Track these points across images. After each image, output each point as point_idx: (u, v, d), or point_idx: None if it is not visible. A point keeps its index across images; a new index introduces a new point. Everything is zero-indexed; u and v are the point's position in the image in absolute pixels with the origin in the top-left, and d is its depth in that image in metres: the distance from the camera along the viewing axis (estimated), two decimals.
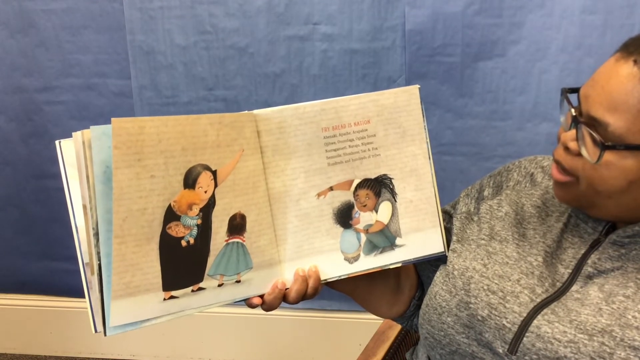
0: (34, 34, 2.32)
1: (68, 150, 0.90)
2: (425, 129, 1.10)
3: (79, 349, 2.72)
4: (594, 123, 0.92)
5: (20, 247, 2.59)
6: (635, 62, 0.90)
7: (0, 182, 2.52)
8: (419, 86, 1.09)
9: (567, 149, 0.97)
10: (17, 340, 2.75)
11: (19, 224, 2.56)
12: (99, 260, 0.88)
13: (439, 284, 1.12)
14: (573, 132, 0.96)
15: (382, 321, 1.56)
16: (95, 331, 0.91)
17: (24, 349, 2.76)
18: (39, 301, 2.69)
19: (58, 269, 2.58)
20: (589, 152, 0.93)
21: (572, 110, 0.97)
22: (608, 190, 0.94)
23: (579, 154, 0.95)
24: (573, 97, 0.99)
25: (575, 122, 0.95)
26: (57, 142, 0.90)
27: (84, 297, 0.90)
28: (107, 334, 0.90)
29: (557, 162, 1.00)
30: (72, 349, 2.73)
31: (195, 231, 0.95)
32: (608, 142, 0.90)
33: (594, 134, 0.91)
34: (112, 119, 0.85)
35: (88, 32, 2.30)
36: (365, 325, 2.31)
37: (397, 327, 1.53)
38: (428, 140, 1.10)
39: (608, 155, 0.91)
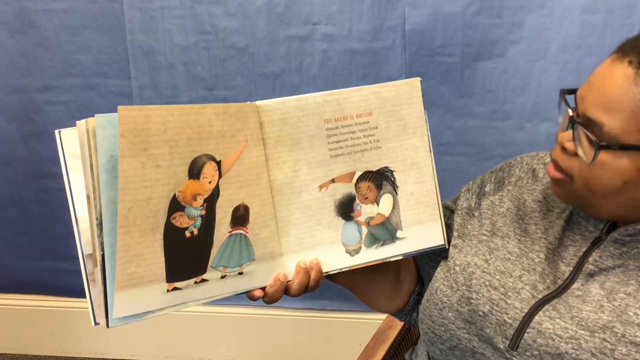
0: (34, 34, 2.32)
1: (68, 140, 0.89)
2: (426, 121, 1.10)
3: (79, 349, 2.72)
4: (589, 123, 0.93)
5: (20, 247, 2.58)
6: (630, 62, 0.90)
7: (0, 182, 2.52)
8: (420, 79, 1.09)
9: (564, 149, 0.98)
10: (17, 340, 2.74)
11: (19, 224, 2.56)
12: (103, 250, 0.88)
13: (440, 280, 1.12)
14: (570, 132, 0.97)
15: (382, 321, 1.56)
16: (95, 323, 0.90)
17: (24, 349, 2.75)
18: (39, 301, 2.69)
19: (58, 269, 2.58)
20: (584, 152, 0.93)
21: (569, 111, 0.97)
22: (603, 190, 0.94)
23: (576, 154, 0.96)
24: (571, 99, 1.00)
25: (572, 122, 0.96)
26: (57, 131, 0.89)
27: (84, 297, 0.90)
28: (109, 325, 0.90)
29: (554, 162, 1.01)
30: (72, 349, 2.72)
31: (199, 222, 0.95)
32: (603, 142, 0.91)
33: (590, 134, 0.92)
34: (119, 107, 0.84)
35: (88, 32, 2.30)
36: (365, 325, 2.32)
37: (397, 327, 1.52)
38: (429, 133, 1.11)
39: (603, 155, 0.91)
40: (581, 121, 0.95)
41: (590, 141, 0.92)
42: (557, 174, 1.00)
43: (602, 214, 1.00)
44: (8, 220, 2.56)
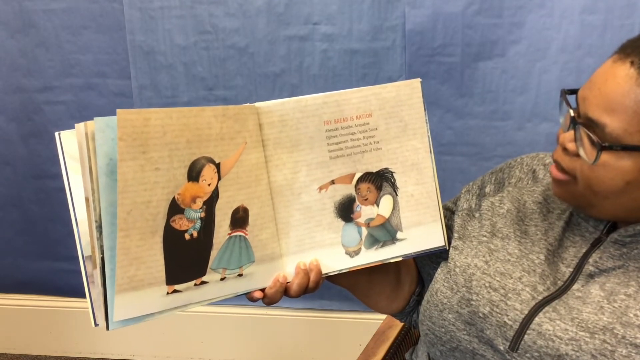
0: (34, 34, 2.32)
1: (68, 142, 0.89)
2: (426, 122, 1.10)
3: (79, 349, 2.72)
4: (591, 124, 0.93)
5: (20, 247, 2.59)
6: (632, 63, 0.90)
7: (0, 182, 2.52)
8: (420, 80, 1.09)
9: (565, 149, 0.98)
10: (17, 340, 2.75)
11: (19, 224, 2.56)
12: (102, 253, 0.88)
13: (440, 281, 1.12)
14: (571, 133, 0.96)
15: (382, 321, 1.56)
16: (95, 324, 0.90)
17: (24, 349, 2.75)
18: (39, 301, 2.69)
19: (58, 269, 2.58)
20: (586, 152, 0.93)
21: (571, 111, 0.97)
22: (605, 191, 0.94)
23: (577, 155, 0.95)
24: (572, 99, 1.00)
25: (574, 123, 0.96)
26: (56, 133, 0.89)
27: (84, 297, 0.90)
28: (109, 328, 0.90)
29: (556, 162, 1.01)
30: (72, 349, 2.73)
31: (198, 224, 0.95)
32: (605, 143, 0.91)
33: (592, 135, 0.92)
34: (118, 110, 0.84)
35: (88, 32, 2.30)
36: (365, 325, 2.32)
37: (397, 327, 1.52)
38: (429, 134, 1.10)
39: (605, 156, 0.91)
40: (583, 122, 0.94)
41: (592, 142, 0.92)
42: (560, 175, 1.00)
43: (604, 214, 1.00)
44: (8, 220, 2.56)
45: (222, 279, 0.99)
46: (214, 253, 0.98)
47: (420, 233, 1.12)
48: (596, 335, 0.90)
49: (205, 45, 2.23)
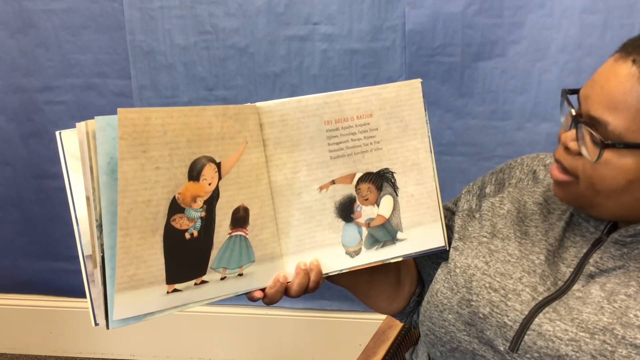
0: (34, 34, 2.32)
1: (69, 141, 0.89)
2: (427, 123, 1.10)
3: (79, 349, 2.72)
4: (593, 122, 0.92)
5: (21, 247, 2.58)
6: (634, 61, 0.90)
7: (0, 182, 2.52)
8: (421, 80, 1.09)
9: (567, 149, 0.98)
10: (17, 340, 2.74)
11: (19, 224, 2.56)
12: (102, 252, 0.88)
13: (440, 282, 1.12)
14: (573, 132, 0.96)
15: (382, 321, 1.55)
16: (96, 324, 0.90)
17: (24, 349, 2.75)
18: (39, 301, 2.69)
19: (58, 269, 2.58)
20: (588, 151, 0.93)
21: (572, 110, 0.97)
22: (607, 190, 0.94)
23: (579, 154, 0.95)
24: (573, 98, 1.00)
25: (575, 122, 0.96)
26: (57, 132, 0.89)
27: (84, 297, 0.90)
28: (109, 327, 0.90)
29: (558, 162, 1.00)
30: (72, 349, 2.72)
31: (199, 224, 0.95)
32: (607, 141, 0.90)
33: (594, 133, 0.92)
34: (118, 109, 0.84)
35: (88, 32, 2.30)
36: (365, 325, 2.31)
37: (397, 327, 1.52)
38: (430, 134, 1.10)
39: (607, 154, 0.91)
40: (585, 120, 0.94)
41: (594, 140, 0.92)
42: (561, 176, 0.99)
43: (605, 214, 1.00)
44: (8, 220, 2.56)
45: (222, 279, 0.99)
46: (214, 252, 0.98)
47: (421, 233, 1.12)
48: (596, 336, 0.90)
49: (205, 45, 2.23)
